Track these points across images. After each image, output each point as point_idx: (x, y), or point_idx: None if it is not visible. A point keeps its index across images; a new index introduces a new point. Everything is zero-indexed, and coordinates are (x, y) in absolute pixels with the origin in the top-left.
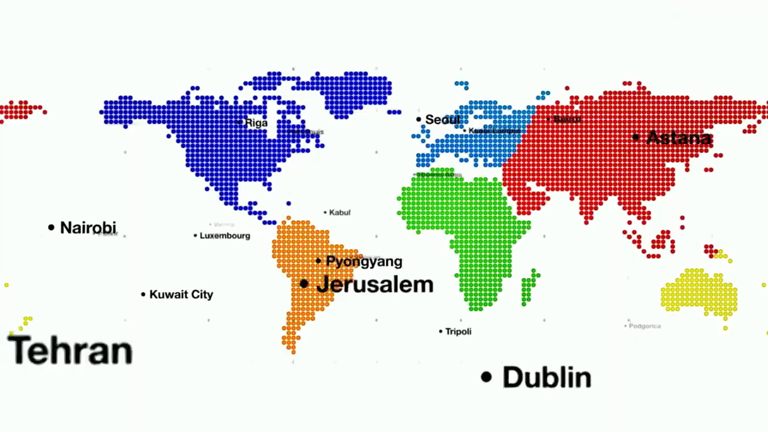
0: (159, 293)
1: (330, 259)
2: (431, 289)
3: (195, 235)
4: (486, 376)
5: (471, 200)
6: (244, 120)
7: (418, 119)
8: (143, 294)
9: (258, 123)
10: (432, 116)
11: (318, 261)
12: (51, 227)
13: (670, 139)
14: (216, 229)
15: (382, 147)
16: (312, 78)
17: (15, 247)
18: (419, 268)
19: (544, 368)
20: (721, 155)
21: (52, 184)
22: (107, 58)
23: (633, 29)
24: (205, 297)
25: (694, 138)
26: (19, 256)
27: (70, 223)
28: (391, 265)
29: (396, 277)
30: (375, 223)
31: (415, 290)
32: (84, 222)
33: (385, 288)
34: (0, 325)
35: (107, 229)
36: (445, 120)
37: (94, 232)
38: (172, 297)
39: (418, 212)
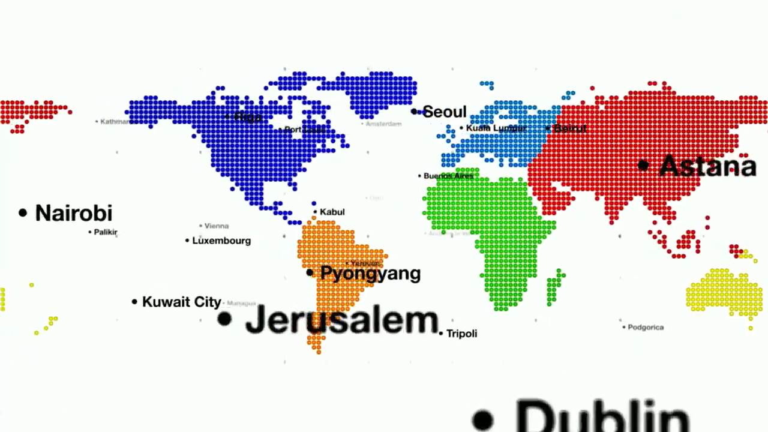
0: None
1: (355, 259)
2: (455, 289)
3: (224, 237)
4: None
5: (496, 200)
6: (236, 114)
7: (444, 118)
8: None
9: (250, 117)
10: (457, 116)
11: (343, 261)
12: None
13: (695, 139)
14: (237, 232)
15: (407, 147)
16: (337, 78)
17: (40, 247)
18: (444, 268)
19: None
20: (746, 155)
21: (77, 185)
22: (132, 58)
23: (658, 29)
24: (229, 285)
25: (720, 138)
26: (44, 257)
27: (94, 224)
28: (415, 266)
29: (420, 277)
30: (400, 223)
31: (439, 290)
32: (108, 221)
33: (411, 288)
34: (26, 324)
35: (132, 229)
36: (470, 120)
37: (111, 233)
38: (208, 303)
39: (444, 212)
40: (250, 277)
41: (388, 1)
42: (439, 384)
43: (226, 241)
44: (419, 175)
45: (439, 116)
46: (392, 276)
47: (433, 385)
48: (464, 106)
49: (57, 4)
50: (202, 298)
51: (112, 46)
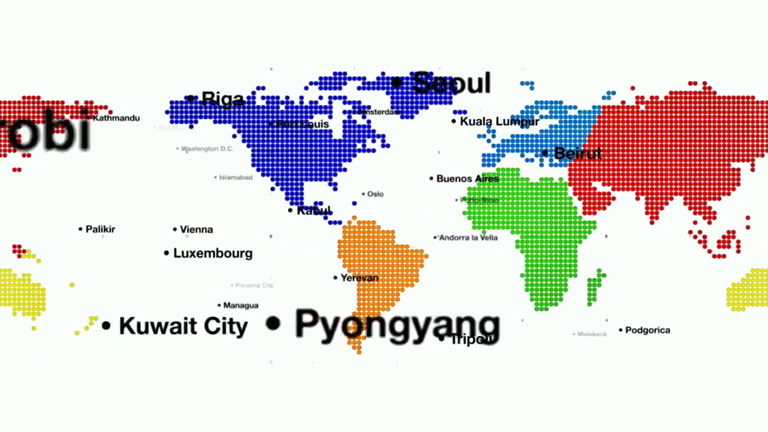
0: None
1: (394, 258)
2: (496, 289)
3: (270, 235)
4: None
5: (536, 200)
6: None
7: (484, 119)
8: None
9: (237, 100)
10: (497, 116)
11: (383, 261)
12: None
13: (736, 138)
14: (277, 232)
15: (448, 147)
16: (378, 78)
17: (78, 246)
18: (484, 268)
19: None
20: None
21: (117, 185)
22: (173, 58)
23: (699, 29)
24: (268, 286)
25: (760, 137)
26: (84, 256)
27: (137, 223)
28: (455, 266)
29: (460, 277)
30: (441, 223)
31: (479, 290)
32: (147, 221)
33: (450, 287)
34: (67, 324)
35: (174, 229)
36: (510, 120)
37: (137, 234)
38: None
39: (484, 212)
40: (289, 278)
41: (427, 2)
42: (478, 385)
43: (266, 241)
44: (460, 176)
45: (480, 116)
46: (431, 276)
47: (472, 385)
48: (505, 107)
49: (98, 4)
50: (243, 306)
51: (152, 46)
